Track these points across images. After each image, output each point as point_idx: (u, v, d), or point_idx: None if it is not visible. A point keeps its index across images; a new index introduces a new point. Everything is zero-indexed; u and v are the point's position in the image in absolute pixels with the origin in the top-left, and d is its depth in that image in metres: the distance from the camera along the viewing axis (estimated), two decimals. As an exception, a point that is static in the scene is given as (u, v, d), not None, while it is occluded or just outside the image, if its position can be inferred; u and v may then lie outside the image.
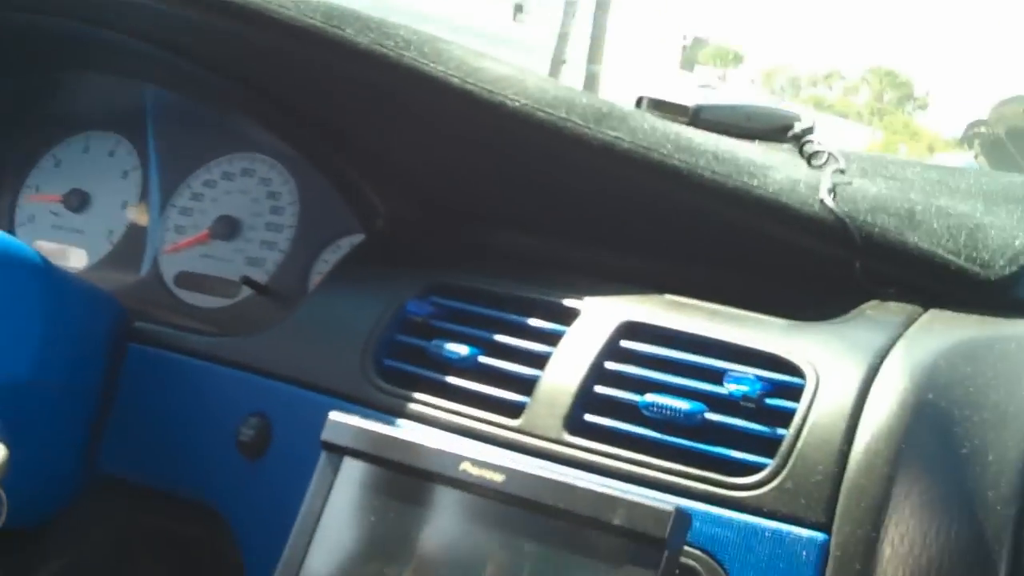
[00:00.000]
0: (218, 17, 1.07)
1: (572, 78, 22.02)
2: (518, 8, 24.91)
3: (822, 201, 0.96)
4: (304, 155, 1.24)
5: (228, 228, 1.31)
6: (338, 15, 1.04)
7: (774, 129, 1.31)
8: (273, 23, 1.04)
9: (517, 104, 1.00)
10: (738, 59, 41.71)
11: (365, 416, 0.96)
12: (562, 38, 21.93)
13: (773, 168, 1.00)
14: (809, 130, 1.29)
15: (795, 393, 0.86)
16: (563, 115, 1.00)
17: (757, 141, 1.27)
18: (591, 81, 22.50)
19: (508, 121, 1.01)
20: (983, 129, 10.57)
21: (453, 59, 1.03)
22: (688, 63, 43.27)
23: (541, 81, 1.04)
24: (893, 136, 47.30)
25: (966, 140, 11.69)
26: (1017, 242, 0.96)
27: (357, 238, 1.24)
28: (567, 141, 1.00)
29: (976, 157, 10.94)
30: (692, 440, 0.87)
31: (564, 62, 21.93)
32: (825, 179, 0.99)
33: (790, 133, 1.28)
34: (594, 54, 22.33)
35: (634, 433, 0.89)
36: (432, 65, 1.02)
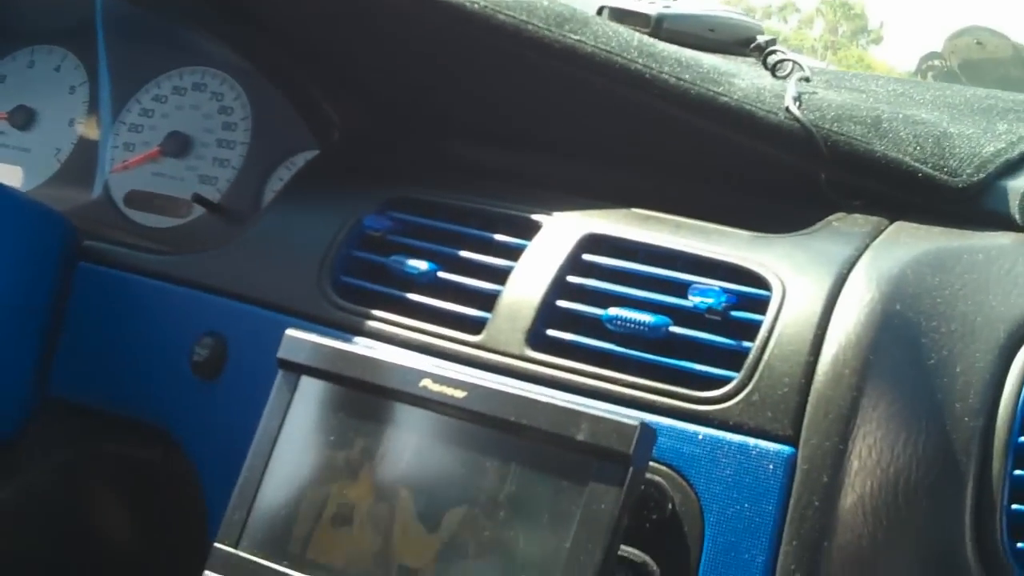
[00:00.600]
0: None
1: None
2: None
3: (787, 109, 0.93)
4: (258, 67, 1.20)
5: (179, 145, 1.28)
6: None
7: (737, 41, 1.29)
8: None
9: (476, 7, 0.97)
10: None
11: (323, 334, 0.94)
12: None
13: (738, 76, 0.98)
14: (772, 41, 1.27)
15: (761, 305, 0.84)
16: (524, 18, 0.97)
17: (720, 53, 1.25)
18: None
19: (468, 25, 0.98)
20: (936, 62, 10.57)
21: None
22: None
23: None
24: (848, 69, 47.46)
25: (920, 73, 11.71)
26: (984, 150, 0.94)
27: (313, 154, 1.20)
28: (528, 44, 0.97)
29: (930, 89, 10.99)
30: (656, 354, 0.86)
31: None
32: (790, 88, 0.97)
33: (753, 44, 1.27)
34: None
35: (597, 347, 0.88)
36: None
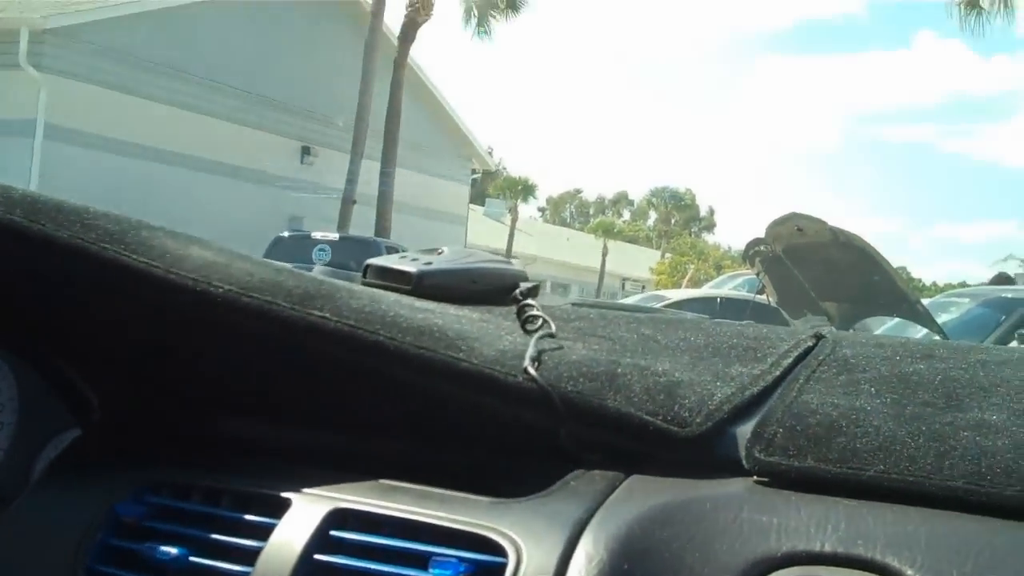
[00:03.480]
0: None
1: (364, 216, 22.22)
2: (305, 151, 24.96)
3: (526, 370, 0.97)
4: (13, 350, 1.20)
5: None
6: (39, 209, 1.02)
7: (501, 289, 1.34)
8: None
9: (221, 291, 1.00)
10: (529, 189, 42.59)
11: None
12: (350, 180, 22.10)
13: (480, 339, 1.02)
14: (533, 290, 1.32)
15: (498, 572, 0.86)
16: (268, 299, 1.00)
17: (484, 303, 1.29)
18: (381, 219, 22.72)
19: (214, 308, 1.00)
20: (762, 248, 10.99)
21: (156, 248, 1.02)
22: (479, 196, 44.05)
23: (248, 265, 1.04)
24: (681, 257, 48.97)
25: (748, 260, 12.15)
26: (714, 399, 0.99)
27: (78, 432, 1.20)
28: (274, 324, 1.00)
29: (759, 274, 11.37)
30: None
31: (354, 202, 22.08)
32: (531, 347, 1.01)
33: (514, 294, 1.31)
34: (383, 195, 22.58)
35: None
36: (134, 256, 1.01)
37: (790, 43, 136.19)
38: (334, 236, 18.31)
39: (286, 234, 18.86)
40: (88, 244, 1.01)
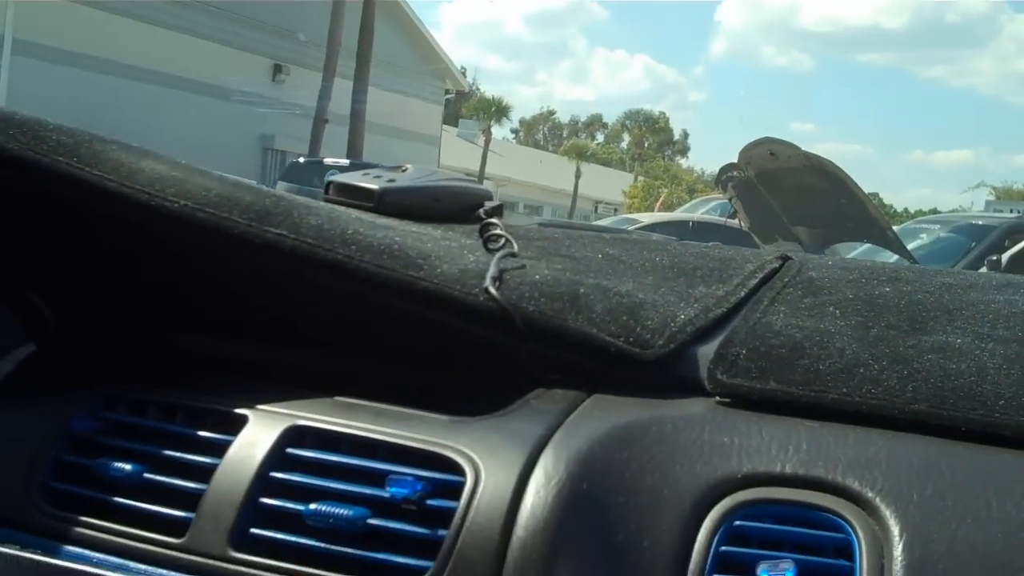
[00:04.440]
0: None
1: (336, 136, 22.09)
2: (277, 69, 24.72)
3: (486, 289, 0.96)
4: None
5: None
6: None
7: (465, 207, 1.32)
8: None
9: (176, 205, 0.97)
10: (502, 111, 42.32)
11: (29, 544, 0.91)
12: (322, 98, 21.93)
13: (441, 258, 1.00)
14: (497, 209, 1.31)
15: (455, 492, 0.85)
16: (224, 214, 0.98)
17: (448, 222, 1.28)
18: (354, 139, 22.59)
19: (169, 222, 0.98)
20: (735, 173, 10.98)
21: (110, 161, 1.00)
22: (452, 117, 43.80)
23: (205, 179, 1.01)
24: (654, 181, 48.93)
25: (720, 185, 12.14)
26: (676, 321, 0.98)
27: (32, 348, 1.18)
28: (230, 240, 0.98)
29: (731, 199, 11.37)
30: (355, 547, 0.86)
31: (326, 121, 21.94)
32: (492, 267, 0.99)
33: (478, 212, 1.30)
34: (355, 114, 22.43)
35: (299, 544, 0.87)
36: (87, 169, 0.98)
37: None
38: (345, 162, 18.74)
39: (301, 159, 19.51)
40: (40, 156, 0.98)
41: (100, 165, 0.99)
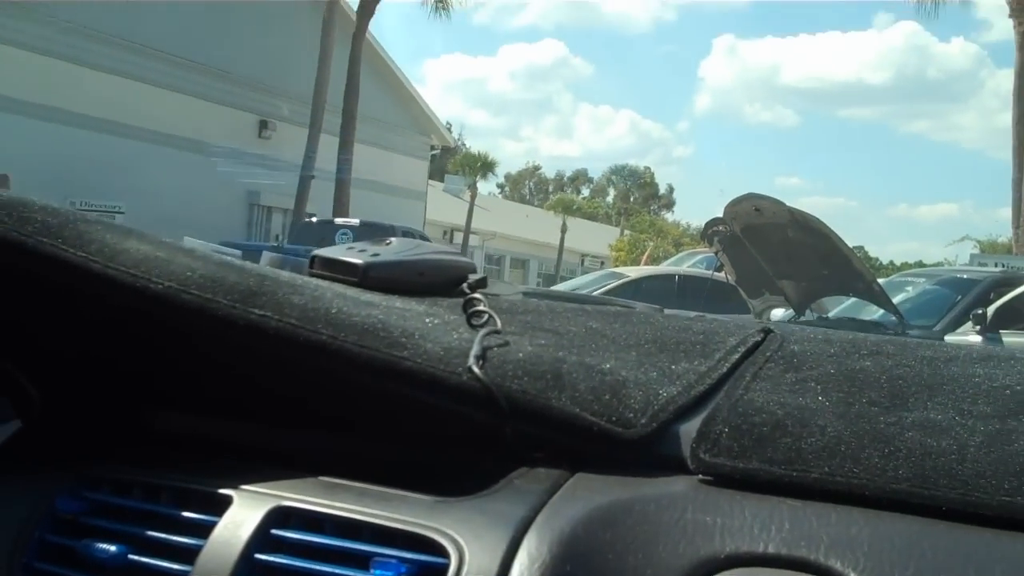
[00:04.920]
0: None
1: (322, 192, 22.15)
2: (263, 125, 24.81)
3: (470, 368, 0.97)
4: None
5: None
6: None
7: (447, 282, 1.33)
8: None
9: (161, 287, 0.98)
10: (488, 166, 42.50)
11: None
12: (308, 156, 22.02)
13: (425, 337, 1.01)
14: (481, 282, 1.31)
15: (440, 573, 0.85)
16: (209, 296, 0.98)
17: (431, 295, 1.29)
18: (340, 195, 22.66)
19: (154, 304, 0.99)
20: (720, 228, 11.03)
21: (94, 242, 1.00)
22: (438, 172, 43.94)
23: (189, 260, 1.02)
24: (640, 235, 49.09)
25: (706, 239, 12.20)
26: (659, 399, 0.99)
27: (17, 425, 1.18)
28: (215, 321, 0.98)
29: (717, 253, 11.41)
30: None
31: (312, 177, 22.01)
32: (476, 345, 1.00)
33: (462, 287, 1.31)
34: (341, 170, 22.53)
35: None
36: (72, 251, 0.99)
37: (747, 23, 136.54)
38: (355, 222, 19.37)
39: (313, 219, 20.22)
40: (25, 237, 0.99)
41: (85, 247, 1.00)
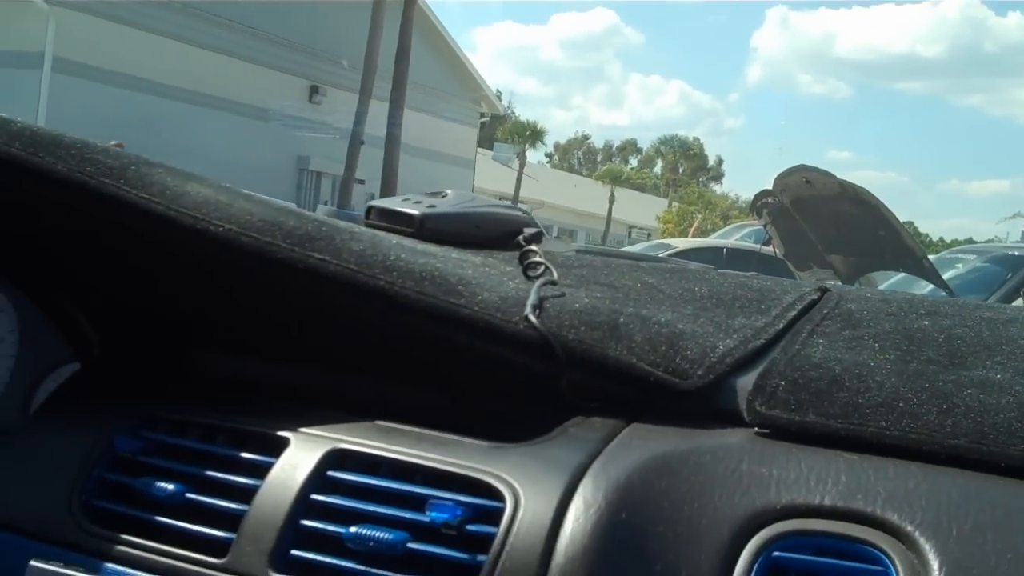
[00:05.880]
0: None
1: (372, 158, 22.19)
2: (314, 90, 24.85)
3: (527, 317, 0.97)
4: (15, 284, 1.19)
5: (-56, 360, 1.25)
6: (39, 142, 1.01)
7: (502, 235, 1.33)
8: None
9: (221, 229, 0.99)
10: (537, 134, 42.39)
11: (72, 561, 0.93)
12: (358, 122, 22.03)
13: (482, 285, 1.01)
14: (536, 236, 1.31)
15: (495, 517, 0.86)
16: (268, 239, 0.99)
17: (486, 248, 1.29)
18: (389, 161, 22.68)
19: (214, 246, 0.99)
20: (769, 200, 10.94)
21: (156, 184, 1.01)
22: (487, 140, 43.89)
23: (249, 204, 1.03)
24: (688, 206, 48.85)
25: (755, 211, 12.11)
26: (715, 351, 0.98)
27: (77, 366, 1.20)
28: (273, 265, 0.99)
29: (766, 226, 11.33)
30: (395, 571, 0.87)
31: (362, 143, 22.04)
32: (532, 294, 1.00)
33: (517, 239, 1.31)
34: (391, 136, 22.53)
35: (340, 567, 0.88)
36: (134, 192, 1.00)
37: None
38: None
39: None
40: (87, 178, 1.00)
41: (147, 188, 1.01)
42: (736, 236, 19.65)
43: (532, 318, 0.97)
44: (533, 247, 1.21)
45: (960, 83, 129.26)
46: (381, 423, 0.98)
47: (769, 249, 12.04)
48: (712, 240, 19.79)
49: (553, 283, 1.08)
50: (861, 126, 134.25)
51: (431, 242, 1.24)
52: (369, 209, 1.35)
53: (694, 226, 33.80)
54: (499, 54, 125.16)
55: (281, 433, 0.98)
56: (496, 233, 1.33)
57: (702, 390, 0.95)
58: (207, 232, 0.99)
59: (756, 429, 0.93)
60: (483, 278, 1.04)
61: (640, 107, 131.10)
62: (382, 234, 1.14)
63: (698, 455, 0.89)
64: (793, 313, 1.12)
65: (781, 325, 1.08)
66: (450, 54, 29.09)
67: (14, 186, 1.04)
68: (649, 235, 40.62)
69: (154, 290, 1.14)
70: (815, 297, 1.20)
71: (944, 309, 1.19)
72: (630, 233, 46.14)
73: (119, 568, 0.94)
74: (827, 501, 0.84)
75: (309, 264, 0.98)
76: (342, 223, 1.08)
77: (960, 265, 11.58)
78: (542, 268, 1.12)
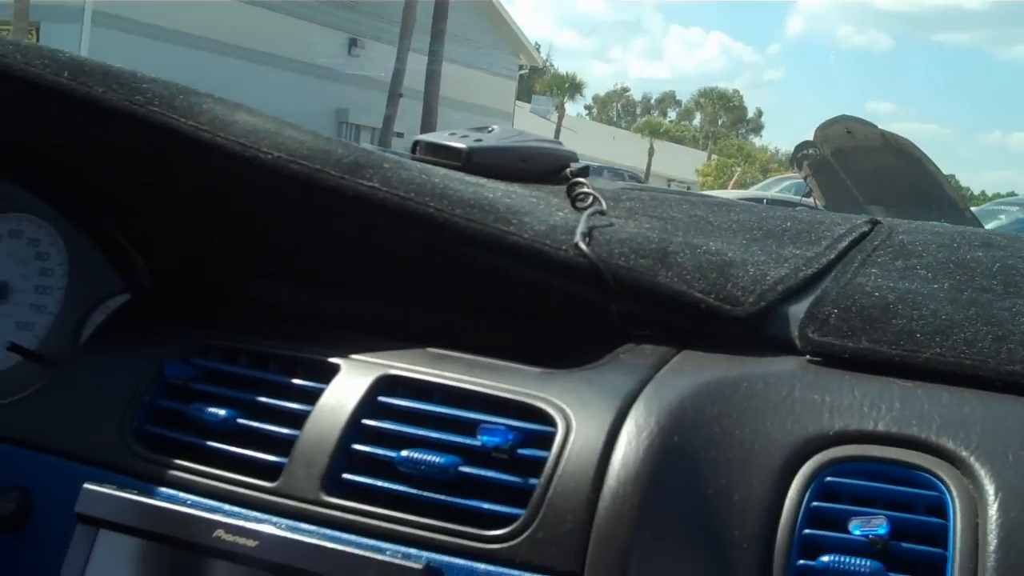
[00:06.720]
0: None
1: (411, 110, 22.16)
2: (353, 43, 24.80)
3: (576, 245, 0.96)
4: (65, 215, 1.20)
5: (-5, 291, 1.26)
6: (88, 71, 1.01)
7: (550, 169, 1.33)
8: (19, 81, 1.01)
9: (270, 157, 0.99)
10: (576, 87, 42.21)
11: (125, 485, 0.93)
12: (397, 72, 21.99)
13: (531, 214, 1.01)
14: (584, 170, 1.31)
15: (546, 442, 0.86)
16: (317, 166, 0.99)
17: (533, 182, 1.28)
18: (428, 112, 22.63)
19: (263, 174, 0.99)
20: (811, 151, 10.86)
21: (204, 112, 1.01)
22: (526, 93, 43.72)
23: (297, 133, 1.03)
24: (727, 159, 48.58)
25: (795, 163, 12.01)
26: (768, 278, 0.98)
27: (126, 298, 1.20)
28: (323, 192, 0.99)
29: (806, 178, 11.25)
30: (447, 494, 0.87)
31: (401, 96, 22.00)
32: (582, 223, 1.00)
33: (564, 173, 1.30)
34: (430, 87, 22.45)
35: (391, 490, 0.88)
36: (183, 120, 1.00)
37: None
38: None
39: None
40: (136, 107, 1.00)
41: (195, 116, 1.01)
42: (776, 189, 19.54)
43: (582, 245, 0.96)
44: (581, 179, 1.21)
45: (1003, 33, 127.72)
46: (432, 350, 0.98)
47: (810, 201, 11.96)
48: (752, 192, 19.68)
49: (602, 213, 1.07)
50: (902, 78, 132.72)
51: (478, 175, 1.24)
52: (416, 144, 1.34)
53: (733, 179, 33.61)
54: (538, 6, 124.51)
55: (332, 359, 0.98)
56: (542, 168, 1.32)
57: (753, 317, 0.95)
58: (256, 160, 0.99)
59: (808, 357, 0.93)
60: (532, 207, 1.04)
61: (679, 59, 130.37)
62: (430, 166, 1.13)
63: (750, 381, 0.89)
64: (844, 244, 1.11)
65: (833, 255, 1.07)
66: (488, 6, 28.94)
67: (62, 116, 1.04)
68: (688, 188, 40.42)
69: (202, 219, 1.14)
70: (866, 229, 1.19)
71: (997, 241, 1.17)
72: (669, 186, 45.88)
73: (172, 491, 0.95)
74: (881, 427, 0.83)
75: (359, 191, 0.98)
76: (390, 154, 1.08)
77: (1003, 216, 11.46)
78: (591, 199, 1.12)
